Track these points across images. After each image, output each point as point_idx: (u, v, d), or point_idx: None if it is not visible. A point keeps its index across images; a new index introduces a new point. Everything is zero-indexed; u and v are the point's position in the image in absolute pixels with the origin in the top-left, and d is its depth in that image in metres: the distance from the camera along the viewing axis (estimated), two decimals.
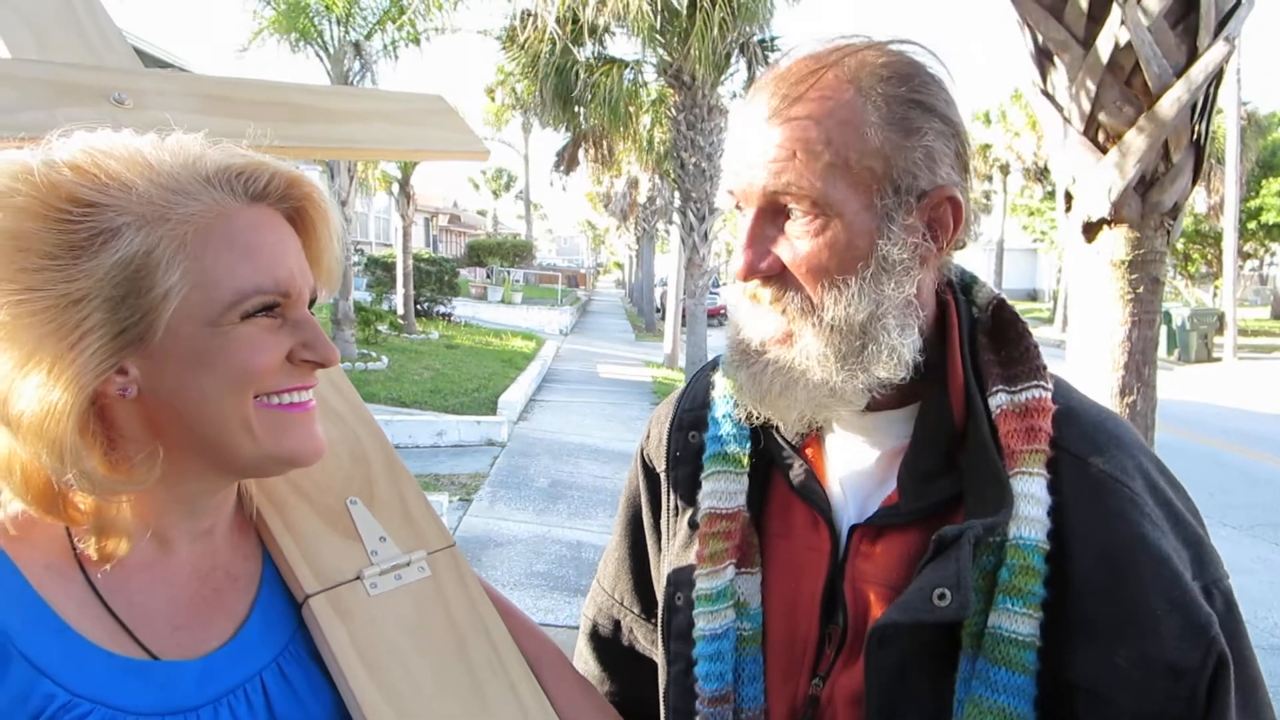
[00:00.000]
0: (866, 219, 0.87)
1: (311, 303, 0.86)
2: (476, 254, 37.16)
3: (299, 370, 0.82)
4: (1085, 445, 0.89)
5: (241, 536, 0.92)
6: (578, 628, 4.70)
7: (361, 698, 0.87)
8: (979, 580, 0.86)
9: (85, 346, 0.73)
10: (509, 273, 34.52)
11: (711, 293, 15.07)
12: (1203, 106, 2.44)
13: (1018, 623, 0.83)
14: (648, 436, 1.19)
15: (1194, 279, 30.07)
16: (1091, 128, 2.51)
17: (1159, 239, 2.50)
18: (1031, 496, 0.86)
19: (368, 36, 13.51)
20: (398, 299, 17.52)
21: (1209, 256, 28.62)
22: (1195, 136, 2.46)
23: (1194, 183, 2.53)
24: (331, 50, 13.26)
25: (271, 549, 0.93)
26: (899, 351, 0.90)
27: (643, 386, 14.72)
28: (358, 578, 0.94)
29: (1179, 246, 28.01)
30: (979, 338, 0.96)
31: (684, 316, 15.08)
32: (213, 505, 0.88)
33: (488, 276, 33.24)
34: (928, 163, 0.88)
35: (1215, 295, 28.20)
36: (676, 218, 15.27)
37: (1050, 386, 0.92)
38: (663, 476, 1.13)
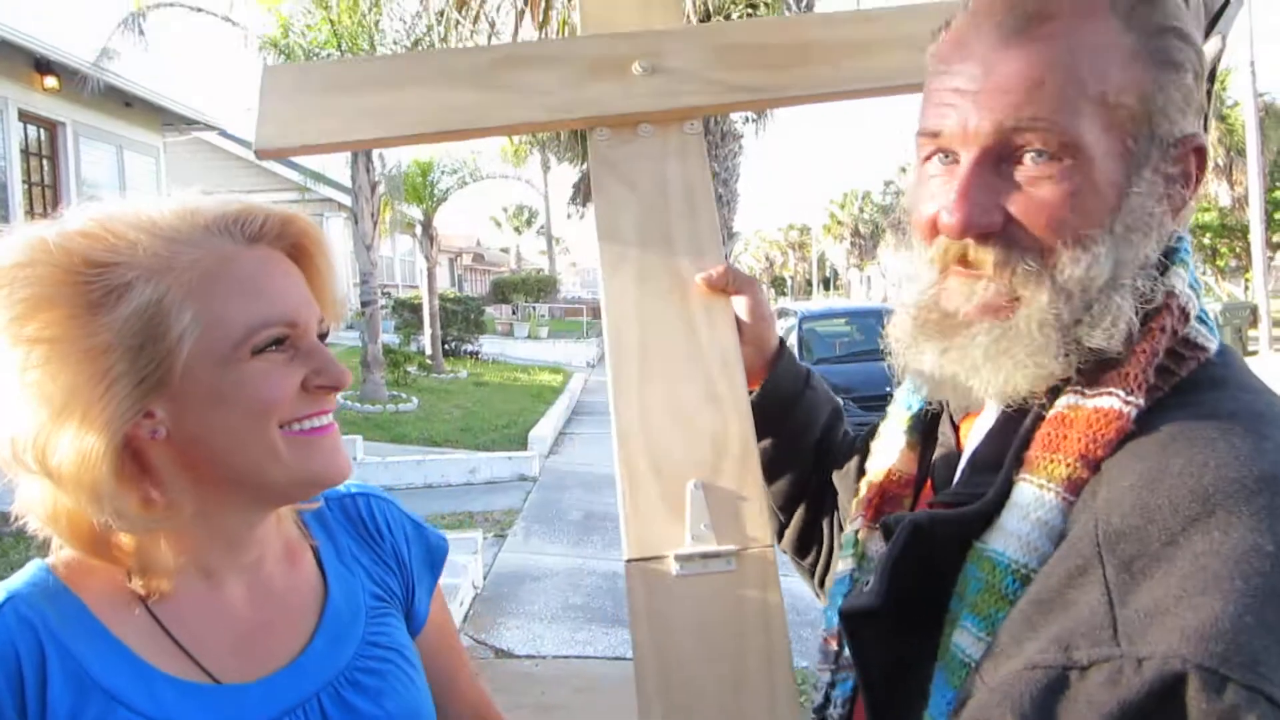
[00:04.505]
0: (1116, 166, 0.75)
1: (324, 336, 0.92)
2: (501, 291, 37.43)
3: (314, 397, 0.87)
4: (1116, 478, 0.69)
5: (293, 567, 0.98)
6: (617, 658, 4.69)
7: (637, 661, 1.03)
8: (962, 587, 0.75)
9: (113, 395, 0.79)
10: (534, 308, 34.70)
11: None
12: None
13: (972, 646, 0.72)
14: None
15: (1224, 273, 29.63)
16: None
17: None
18: (1021, 507, 0.73)
19: None
20: (425, 339, 17.70)
21: (1237, 250, 28.21)
22: None
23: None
24: None
25: (620, 508, 1.08)
26: (1120, 321, 0.75)
27: None
28: (667, 557, 1.06)
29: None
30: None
31: None
32: (253, 539, 0.93)
33: (513, 313, 33.44)
34: (1184, 104, 0.76)
35: (1246, 289, 27.72)
36: None
37: (1135, 402, 0.72)
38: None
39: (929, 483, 0.97)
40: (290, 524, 1.01)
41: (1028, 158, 0.75)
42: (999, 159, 0.76)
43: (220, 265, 0.83)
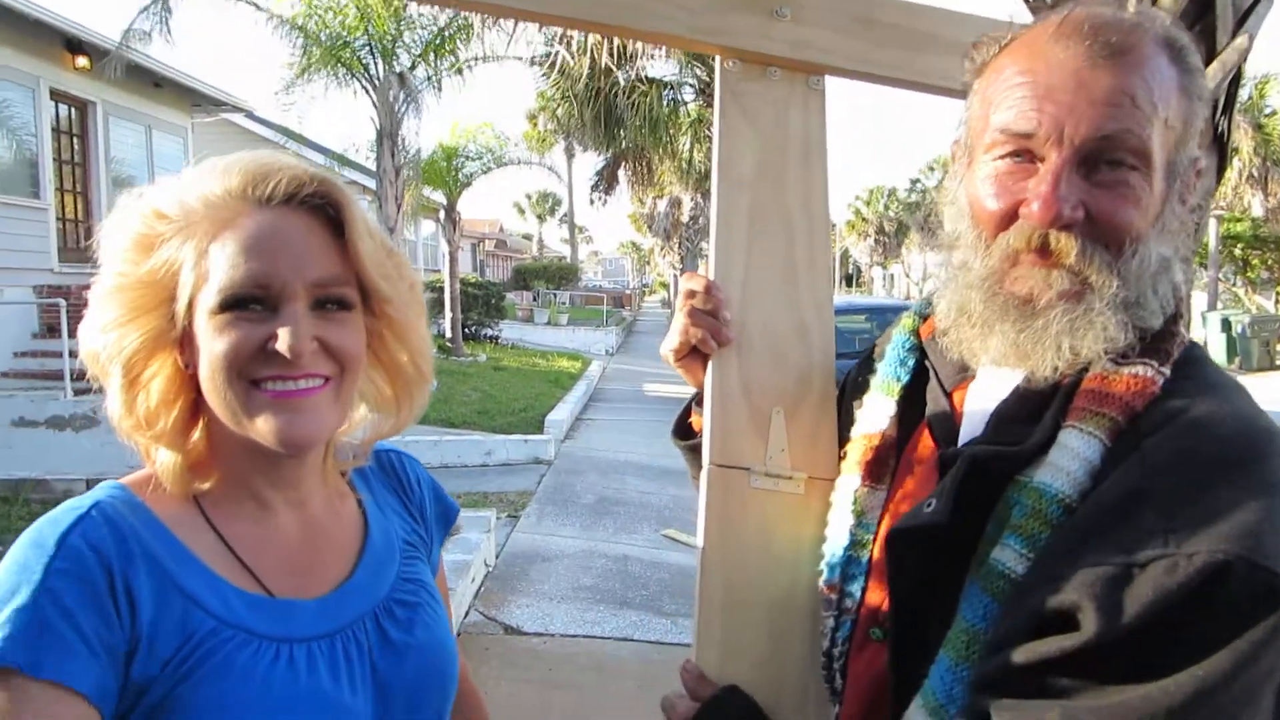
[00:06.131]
0: (1163, 179, 0.90)
1: (338, 301, 0.93)
2: (522, 277, 37.59)
3: (273, 360, 0.89)
4: (1152, 428, 0.85)
5: (339, 509, 1.06)
6: (624, 639, 4.76)
7: (705, 554, 1.15)
8: (1001, 514, 0.89)
9: (143, 323, 0.91)
10: (554, 295, 34.84)
11: None
12: (1224, 104, 2.46)
13: (1015, 561, 0.85)
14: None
15: (1255, 285, 29.24)
16: None
17: (1194, 219, 2.51)
18: (1069, 448, 0.86)
19: (412, 68, 13.85)
20: (446, 323, 17.82)
21: (1270, 261, 27.82)
22: (1217, 134, 2.49)
23: (1219, 179, 2.55)
24: (377, 82, 13.62)
25: (706, 416, 1.20)
26: (1167, 303, 0.93)
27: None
28: (747, 469, 1.17)
29: (1237, 252, 27.30)
30: None
31: None
32: (295, 478, 0.99)
33: (534, 299, 33.57)
34: (1198, 130, 0.93)
35: (1277, 302, 27.36)
36: None
37: (1164, 371, 0.89)
38: (848, 385, 1.25)
39: (921, 439, 1.07)
40: (336, 473, 1.08)
41: (1105, 163, 0.88)
42: (1081, 162, 0.88)
43: (227, 227, 0.90)
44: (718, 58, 1.29)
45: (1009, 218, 0.92)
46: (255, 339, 0.89)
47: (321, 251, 0.93)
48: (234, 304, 0.89)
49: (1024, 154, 0.91)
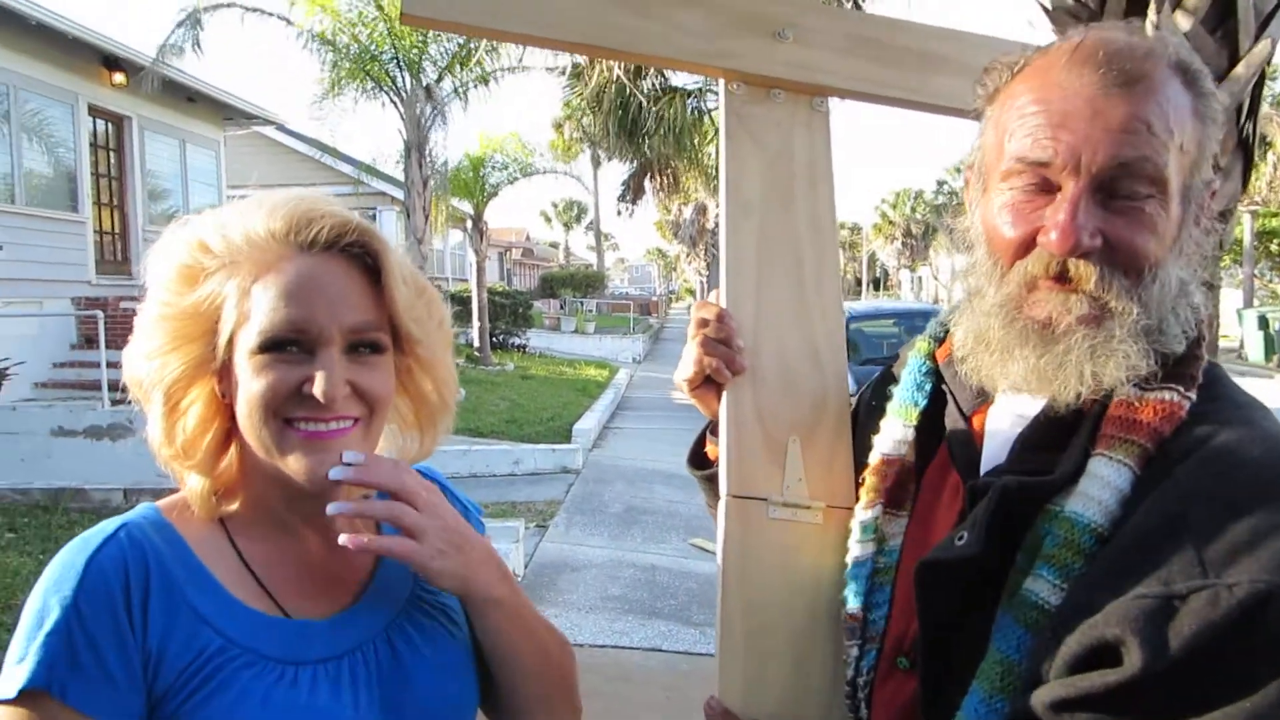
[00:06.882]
0: (1179, 204, 0.90)
1: (371, 345, 0.96)
2: (549, 285, 37.79)
3: (307, 401, 0.93)
4: (1182, 454, 0.85)
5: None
6: (653, 649, 4.73)
7: (724, 586, 1.13)
8: (1031, 543, 0.88)
9: (186, 352, 0.95)
10: (581, 303, 34.97)
11: None
12: (1248, 108, 2.44)
13: (1048, 592, 0.85)
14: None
15: None
16: None
17: (1210, 243, 2.50)
18: (1099, 476, 0.86)
19: (438, 80, 13.98)
20: (474, 332, 17.92)
21: None
22: (1243, 137, 2.47)
23: (1245, 183, 2.53)
24: (404, 95, 13.78)
25: (722, 446, 1.18)
26: (1188, 328, 0.93)
27: None
28: (765, 499, 1.16)
29: (1273, 249, 26.80)
30: None
31: None
32: (317, 507, 1.01)
33: (561, 307, 33.72)
34: (1212, 153, 0.94)
35: None
36: None
37: (1190, 396, 0.89)
38: (861, 409, 1.24)
39: (940, 464, 1.07)
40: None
41: (1122, 190, 0.88)
42: (1098, 189, 0.88)
43: (269, 270, 0.94)
44: (722, 81, 1.28)
45: (1026, 245, 0.93)
46: (291, 381, 0.93)
47: (358, 297, 0.96)
48: (272, 346, 0.93)
49: (1040, 182, 0.92)
